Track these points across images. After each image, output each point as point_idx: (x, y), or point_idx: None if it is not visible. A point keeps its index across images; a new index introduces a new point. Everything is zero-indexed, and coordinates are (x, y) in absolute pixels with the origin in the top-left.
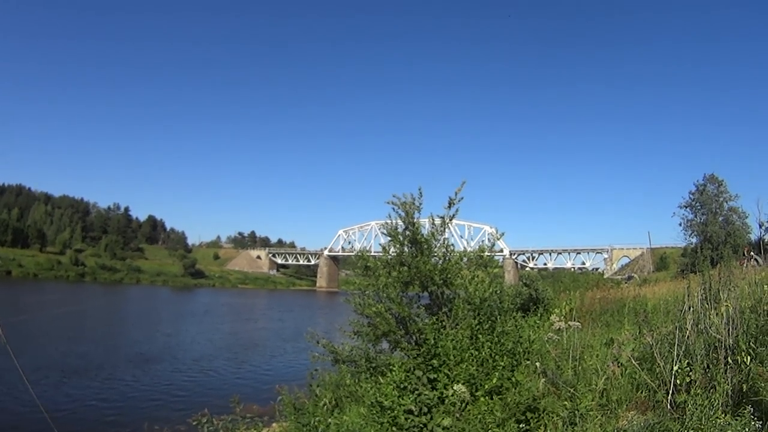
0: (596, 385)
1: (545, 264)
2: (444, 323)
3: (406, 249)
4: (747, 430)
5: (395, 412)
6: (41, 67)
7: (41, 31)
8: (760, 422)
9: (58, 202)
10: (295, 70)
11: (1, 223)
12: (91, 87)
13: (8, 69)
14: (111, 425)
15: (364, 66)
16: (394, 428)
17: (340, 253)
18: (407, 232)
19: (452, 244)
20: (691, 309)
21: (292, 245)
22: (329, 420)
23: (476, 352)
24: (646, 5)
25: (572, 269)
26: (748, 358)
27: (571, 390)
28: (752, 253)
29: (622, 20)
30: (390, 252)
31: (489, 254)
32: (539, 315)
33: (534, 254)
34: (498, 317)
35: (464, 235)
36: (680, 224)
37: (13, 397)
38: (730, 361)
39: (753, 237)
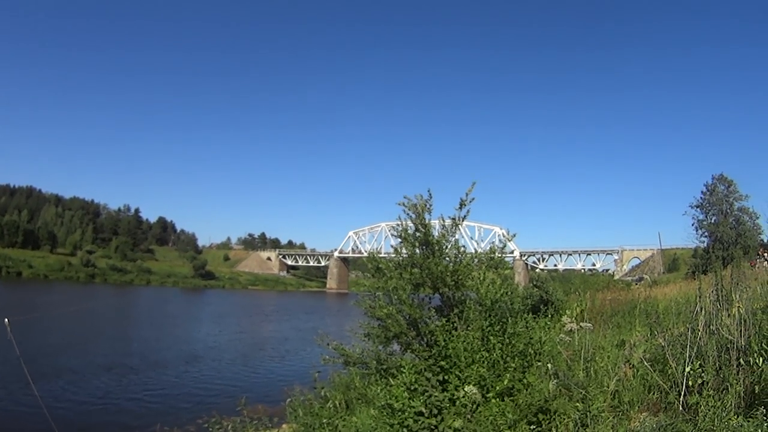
0: (608, 387)
1: (555, 265)
2: (455, 325)
3: (417, 251)
4: (760, 431)
5: (405, 414)
6: (53, 71)
7: (52, 36)
8: None
9: (68, 204)
10: (306, 75)
11: (12, 225)
12: (102, 90)
13: (20, 73)
14: (119, 426)
15: (376, 70)
16: (404, 430)
17: (350, 255)
18: (418, 234)
19: (463, 246)
20: (703, 310)
21: (302, 246)
22: (337, 422)
23: (487, 354)
24: (659, 9)
25: (582, 270)
26: (761, 359)
27: (583, 391)
28: (766, 254)
29: (633, 24)
30: (401, 253)
31: (500, 255)
32: (550, 316)
33: (544, 255)
34: (509, 319)
35: (474, 236)
36: (692, 224)
37: (16, 397)
38: (742, 362)
39: (764, 238)
